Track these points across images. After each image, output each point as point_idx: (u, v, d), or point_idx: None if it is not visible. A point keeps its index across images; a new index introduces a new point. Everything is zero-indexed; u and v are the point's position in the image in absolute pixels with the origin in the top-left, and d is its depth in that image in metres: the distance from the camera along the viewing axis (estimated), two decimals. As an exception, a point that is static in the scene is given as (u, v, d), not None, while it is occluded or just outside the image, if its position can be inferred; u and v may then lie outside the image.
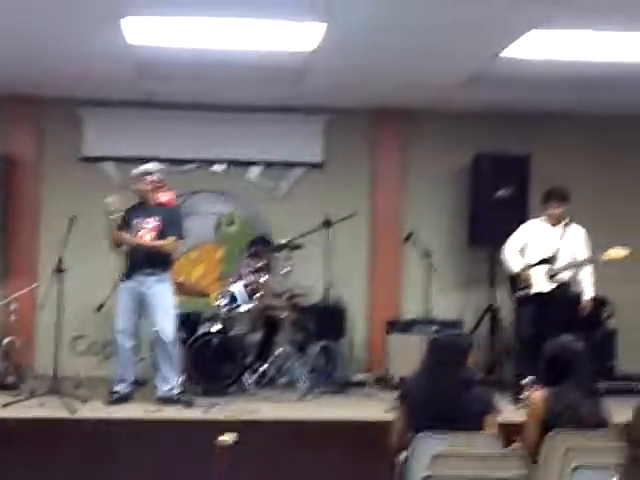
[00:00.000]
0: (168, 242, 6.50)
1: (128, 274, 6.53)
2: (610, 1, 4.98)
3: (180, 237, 6.63)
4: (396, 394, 4.40)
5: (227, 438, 5.45)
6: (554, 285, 6.84)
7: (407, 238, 7.60)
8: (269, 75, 6.87)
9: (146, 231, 6.52)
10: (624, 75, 6.58)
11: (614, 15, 5.22)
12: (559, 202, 6.94)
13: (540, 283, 6.86)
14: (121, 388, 6.53)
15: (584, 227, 6.97)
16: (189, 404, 6.37)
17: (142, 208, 6.61)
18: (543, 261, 6.85)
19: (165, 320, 6.48)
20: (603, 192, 8.20)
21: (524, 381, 5.95)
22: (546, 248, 6.92)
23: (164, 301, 6.49)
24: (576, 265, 6.83)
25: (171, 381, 6.49)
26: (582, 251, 6.88)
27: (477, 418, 4.15)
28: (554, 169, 7.88)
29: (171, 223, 6.59)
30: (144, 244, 6.48)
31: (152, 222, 6.53)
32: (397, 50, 6.11)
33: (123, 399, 6.46)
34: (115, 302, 6.68)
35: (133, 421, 5.95)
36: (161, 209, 6.61)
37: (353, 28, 5.60)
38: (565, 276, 6.87)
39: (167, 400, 6.40)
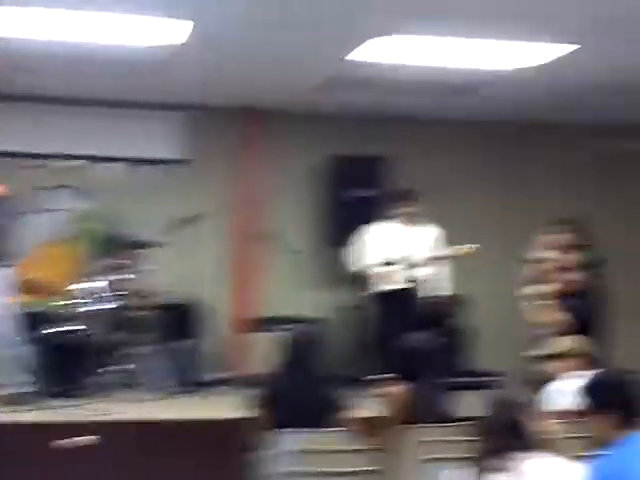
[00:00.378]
0: None
1: None
2: (451, 8, 5.19)
3: None
4: (254, 392, 4.42)
5: (83, 439, 5.38)
6: (408, 283, 7.06)
7: (269, 237, 7.66)
8: (134, 70, 6.80)
9: None
10: (469, 80, 6.85)
11: (455, 22, 5.44)
12: (408, 202, 7.17)
13: (393, 282, 7.07)
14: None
15: (439, 226, 7.23)
16: (32, 404, 6.17)
17: None
18: (391, 261, 7.05)
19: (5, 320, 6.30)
20: (457, 193, 8.50)
21: (379, 377, 6.08)
22: (397, 248, 7.15)
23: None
24: (425, 263, 7.04)
25: (20, 379, 6.29)
26: (436, 250, 7.12)
27: (332, 414, 4.23)
28: (407, 170, 8.12)
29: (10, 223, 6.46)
30: None
31: None
32: (256, 51, 6.22)
33: None
34: None
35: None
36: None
37: (218, 26, 5.64)
38: (420, 274, 7.08)
39: (12, 400, 6.20)
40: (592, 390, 3.25)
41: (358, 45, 5.93)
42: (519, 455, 2.98)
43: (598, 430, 3.17)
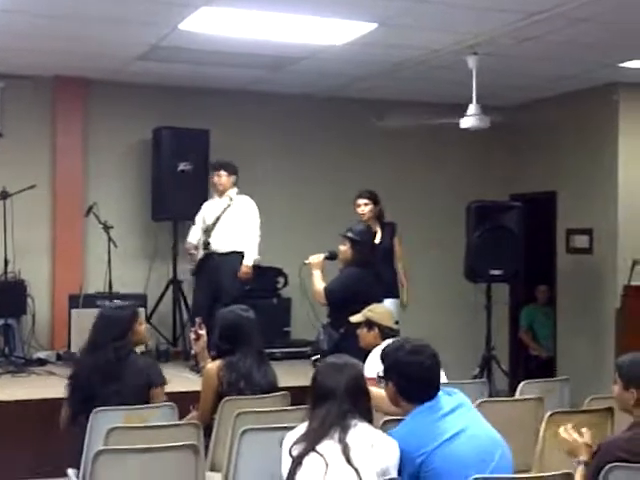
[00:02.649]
0: None
1: None
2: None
3: None
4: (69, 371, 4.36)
5: None
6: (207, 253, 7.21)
7: (89, 211, 7.48)
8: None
9: None
10: (292, 54, 6.95)
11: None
12: (216, 171, 7.30)
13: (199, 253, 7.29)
14: None
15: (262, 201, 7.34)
16: None
17: None
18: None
19: None
20: (281, 167, 8.61)
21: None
22: (208, 219, 7.22)
23: None
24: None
25: None
26: (245, 220, 7.21)
27: (144, 390, 4.23)
28: (233, 143, 8.16)
29: None
30: None
31: None
32: (75, 17, 5.98)
33: None
34: None
35: None
36: None
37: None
38: (219, 245, 7.19)
39: None
40: (381, 358, 3.40)
41: (185, 16, 5.86)
42: (351, 422, 3.02)
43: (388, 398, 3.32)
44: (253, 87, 8.15)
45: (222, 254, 7.18)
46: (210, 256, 7.23)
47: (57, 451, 4.42)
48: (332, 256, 6.03)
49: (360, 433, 3.00)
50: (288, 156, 8.62)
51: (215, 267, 7.19)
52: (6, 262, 7.26)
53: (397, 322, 5.19)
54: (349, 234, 5.88)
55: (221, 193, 7.32)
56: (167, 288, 7.98)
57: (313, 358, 4.97)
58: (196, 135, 7.98)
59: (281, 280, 8.19)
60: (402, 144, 8.92)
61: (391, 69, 7.35)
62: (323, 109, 8.65)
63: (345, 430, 2.98)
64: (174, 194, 7.83)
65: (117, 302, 5.03)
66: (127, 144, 8.19)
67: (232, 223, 7.22)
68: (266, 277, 8.04)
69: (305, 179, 8.68)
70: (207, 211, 7.36)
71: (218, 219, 7.23)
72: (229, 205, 7.26)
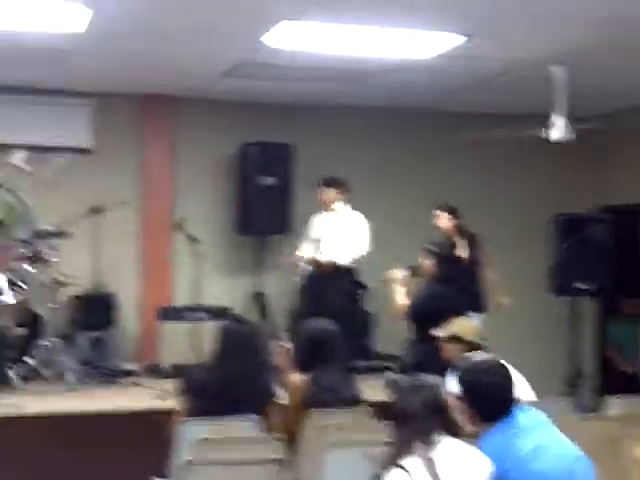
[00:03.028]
0: None
1: None
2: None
3: None
4: (178, 384, 4.37)
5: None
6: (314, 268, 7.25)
7: (177, 226, 7.63)
8: (35, 56, 6.67)
9: None
10: (380, 68, 6.98)
11: (356, 10, 5.51)
12: (321, 187, 7.28)
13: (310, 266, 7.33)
14: None
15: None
16: None
17: None
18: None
19: None
20: (367, 180, 8.62)
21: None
22: (315, 233, 7.27)
23: None
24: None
25: None
26: (352, 235, 7.22)
27: (264, 405, 4.26)
28: (318, 158, 8.22)
29: None
30: None
31: None
32: (162, 37, 6.14)
33: None
34: None
35: None
36: None
37: (119, 13, 5.58)
38: (327, 259, 7.20)
39: None
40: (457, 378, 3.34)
41: (266, 31, 5.95)
42: (436, 439, 3.02)
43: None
44: (338, 101, 8.17)
45: (329, 269, 7.18)
46: (317, 271, 7.24)
47: (144, 460, 4.49)
48: (414, 270, 6.01)
49: (446, 448, 2.99)
50: (373, 169, 8.63)
51: (322, 283, 7.20)
52: (97, 275, 7.45)
53: (483, 338, 5.09)
54: (431, 248, 5.86)
55: (326, 207, 7.35)
56: (252, 301, 8.07)
57: (386, 375, 4.96)
58: (281, 150, 8.06)
59: (362, 293, 8.19)
60: (487, 156, 8.83)
61: (478, 81, 7.30)
62: (408, 122, 8.63)
63: (429, 446, 2.98)
64: (259, 209, 7.93)
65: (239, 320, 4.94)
66: (213, 160, 8.33)
67: (339, 237, 7.23)
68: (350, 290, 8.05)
69: (390, 192, 8.64)
70: (315, 226, 7.39)
71: (324, 234, 7.26)
72: (335, 219, 7.29)
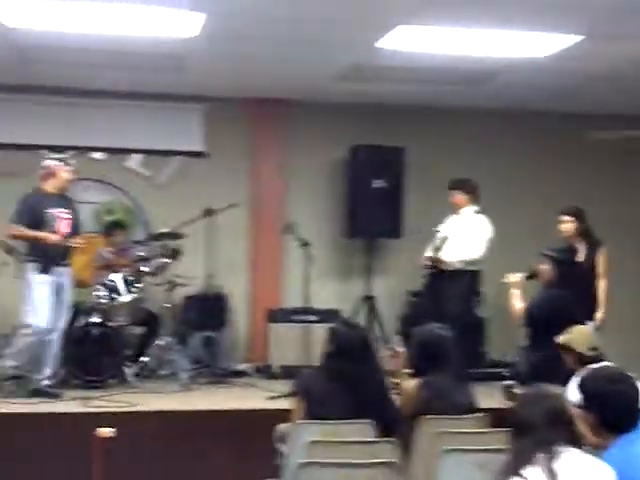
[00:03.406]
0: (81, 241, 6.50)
1: (46, 267, 6.29)
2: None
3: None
4: (291, 386, 4.36)
5: (107, 431, 5.45)
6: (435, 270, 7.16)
7: (287, 228, 7.68)
8: (150, 62, 6.85)
9: (63, 222, 6.39)
10: (495, 69, 6.87)
11: (476, 12, 5.45)
12: (449, 190, 7.25)
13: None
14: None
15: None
16: (57, 396, 6.24)
17: (53, 198, 6.41)
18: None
19: (68, 312, 6.49)
20: (481, 183, 8.48)
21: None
22: (440, 236, 7.23)
23: (70, 293, 6.51)
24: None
25: (46, 372, 6.39)
26: (471, 238, 7.12)
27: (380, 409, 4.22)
28: (429, 161, 8.14)
29: (78, 216, 6.61)
30: (68, 243, 6.37)
31: (66, 213, 6.43)
32: (276, 41, 6.21)
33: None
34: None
35: (11, 415, 5.82)
36: (71, 200, 6.59)
37: (232, 18, 5.67)
38: (447, 262, 7.13)
39: (38, 392, 6.27)
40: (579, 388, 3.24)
41: (382, 36, 5.94)
42: (557, 450, 2.93)
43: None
44: (450, 103, 8.10)
45: (450, 272, 7.11)
46: (438, 273, 7.18)
47: (256, 460, 4.52)
48: (532, 275, 5.87)
49: (570, 460, 2.89)
50: (488, 172, 8.48)
51: (441, 285, 7.14)
52: (209, 276, 7.56)
53: (594, 348, 4.86)
54: (549, 253, 5.71)
55: (456, 210, 7.31)
56: (361, 304, 8.05)
57: (504, 383, 4.83)
58: (392, 153, 8.02)
59: (477, 299, 8.05)
60: (611, 158, 8.58)
61: (596, 81, 7.10)
62: (525, 123, 8.48)
63: (551, 458, 2.89)
64: (369, 212, 7.91)
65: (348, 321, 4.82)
66: (324, 162, 8.36)
67: (460, 241, 7.14)
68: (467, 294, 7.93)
69: (506, 195, 8.48)
70: (443, 228, 7.35)
71: (448, 236, 7.19)
72: (461, 222, 7.23)
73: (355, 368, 4.21)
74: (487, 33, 5.89)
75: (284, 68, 7.03)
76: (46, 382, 6.35)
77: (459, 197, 7.25)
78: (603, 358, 4.52)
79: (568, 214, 6.68)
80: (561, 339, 4.74)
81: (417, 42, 6.09)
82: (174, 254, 7.25)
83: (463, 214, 7.25)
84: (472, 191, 7.26)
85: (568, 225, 6.65)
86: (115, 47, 6.40)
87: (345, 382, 4.18)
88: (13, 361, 6.41)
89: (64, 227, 6.40)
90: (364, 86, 7.52)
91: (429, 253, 7.18)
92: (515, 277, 5.84)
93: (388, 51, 6.29)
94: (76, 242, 6.44)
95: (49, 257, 6.31)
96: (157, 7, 5.52)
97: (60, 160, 6.45)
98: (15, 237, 6.43)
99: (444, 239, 7.10)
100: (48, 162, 6.46)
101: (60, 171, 6.42)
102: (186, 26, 5.84)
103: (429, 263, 7.15)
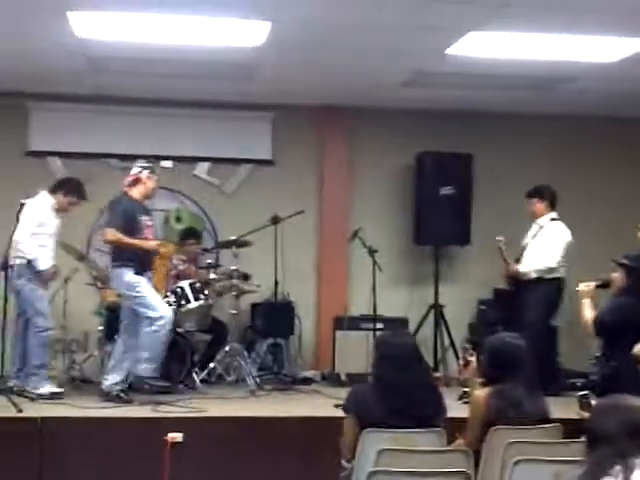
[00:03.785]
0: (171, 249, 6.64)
1: (143, 269, 6.40)
2: (544, 4, 5.13)
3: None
4: (345, 400, 4.34)
5: (176, 435, 5.51)
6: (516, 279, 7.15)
7: (354, 235, 7.65)
8: (218, 71, 6.92)
9: (149, 229, 6.51)
10: (565, 74, 6.76)
11: (548, 17, 5.37)
12: (527, 198, 7.19)
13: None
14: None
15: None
16: (128, 401, 6.29)
17: (140, 205, 6.52)
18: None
19: None
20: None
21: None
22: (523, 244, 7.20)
23: None
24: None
25: (117, 375, 6.46)
26: (546, 246, 7.04)
27: (434, 421, 4.17)
28: (497, 168, 8.04)
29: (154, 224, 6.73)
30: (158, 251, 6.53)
31: (150, 220, 6.56)
32: (343, 48, 6.22)
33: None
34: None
35: (79, 419, 5.90)
36: (148, 208, 6.67)
37: (298, 26, 5.70)
38: (526, 271, 7.07)
39: (108, 395, 6.34)
40: None
41: (452, 43, 5.90)
42: (635, 462, 2.86)
43: None
44: (519, 109, 8.00)
45: (530, 281, 7.05)
46: (518, 282, 7.13)
47: (322, 468, 4.49)
48: (605, 284, 5.74)
49: None
50: (558, 179, 8.33)
51: (521, 294, 7.09)
52: (276, 283, 7.58)
53: None
54: (623, 261, 5.57)
55: (533, 219, 7.24)
56: (428, 312, 7.99)
57: (580, 393, 4.72)
58: (459, 159, 7.96)
59: (555, 309, 7.90)
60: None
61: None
62: (597, 129, 8.34)
63: (630, 469, 2.81)
64: (436, 219, 7.85)
65: (395, 330, 4.77)
66: (390, 169, 8.33)
67: (539, 249, 7.08)
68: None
69: (581, 204, 8.29)
70: (526, 236, 7.28)
71: (527, 245, 7.14)
72: (538, 232, 7.16)
73: (400, 375, 4.14)
74: (558, 38, 5.80)
75: (351, 76, 7.03)
76: (120, 386, 6.42)
77: (538, 205, 7.15)
78: None
79: None
80: (636, 350, 4.63)
81: (487, 48, 6.02)
82: (245, 277, 7.30)
83: (540, 222, 7.15)
84: (551, 198, 7.16)
85: None
86: (182, 57, 6.49)
87: (391, 389, 4.12)
88: (150, 364, 6.34)
89: (150, 234, 6.49)
90: (431, 92, 7.47)
91: (514, 266, 7.12)
92: (587, 285, 5.71)
93: (456, 57, 6.23)
94: (167, 250, 6.48)
95: (142, 262, 6.38)
96: (223, 18, 5.57)
97: (147, 168, 6.51)
98: (111, 242, 6.41)
99: (523, 249, 7.04)
100: (137, 169, 6.50)
101: (148, 179, 6.49)
102: (252, 35, 5.88)
103: (510, 275, 7.13)
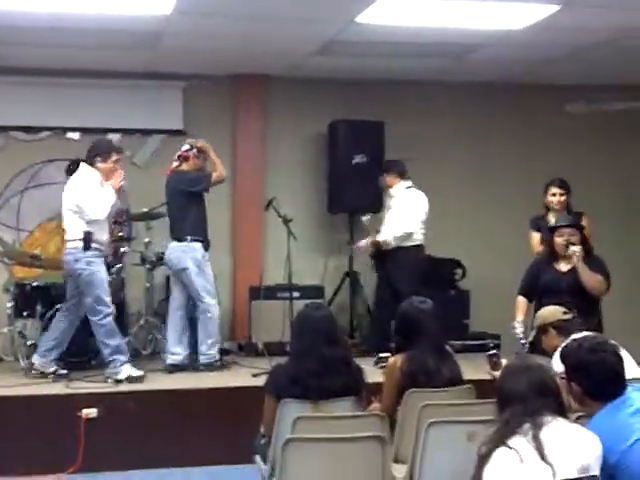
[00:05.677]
0: None
1: (207, 246, 6.83)
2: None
3: None
4: (265, 381, 4.30)
5: (90, 411, 5.45)
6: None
7: (268, 205, 7.60)
8: (124, 40, 6.77)
9: None
10: (473, 42, 6.84)
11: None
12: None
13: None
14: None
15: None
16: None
17: None
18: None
19: None
20: (460, 156, 8.48)
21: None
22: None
23: None
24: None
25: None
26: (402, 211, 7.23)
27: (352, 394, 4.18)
28: (408, 135, 8.11)
29: None
30: None
31: None
32: (252, 16, 6.15)
33: None
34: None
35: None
36: None
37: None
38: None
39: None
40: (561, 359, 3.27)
41: (362, 10, 5.89)
42: (543, 419, 2.94)
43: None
44: (429, 77, 8.07)
45: (390, 250, 7.23)
46: (381, 253, 7.32)
47: (245, 438, 4.51)
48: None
49: (556, 429, 2.90)
50: (467, 145, 8.49)
51: (386, 264, 7.31)
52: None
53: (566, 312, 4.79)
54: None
55: (386, 192, 7.46)
56: (344, 280, 8.04)
57: (489, 353, 4.82)
58: (371, 127, 7.98)
59: (459, 272, 8.07)
60: (589, 130, 8.59)
61: (575, 52, 7.09)
62: (504, 96, 8.46)
63: (538, 427, 2.90)
64: (350, 187, 7.88)
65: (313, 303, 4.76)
66: (304, 138, 8.31)
67: (394, 217, 7.27)
68: (444, 269, 7.96)
69: (485, 168, 8.52)
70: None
71: (384, 218, 7.37)
72: (391, 201, 7.35)
73: (319, 349, 4.12)
74: (465, 5, 5.85)
75: (262, 44, 6.96)
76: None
77: (388, 178, 7.38)
78: (583, 328, 4.52)
79: (560, 186, 6.52)
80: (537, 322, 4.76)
81: (396, 16, 6.04)
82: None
83: (392, 193, 7.35)
84: (397, 169, 7.37)
85: (561, 197, 6.50)
86: (86, 26, 6.31)
87: (309, 363, 4.10)
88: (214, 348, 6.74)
89: None
90: (342, 61, 7.47)
91: (372, 238, 7.33)
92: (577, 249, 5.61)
93: (367, 25, 6.24)
94: None
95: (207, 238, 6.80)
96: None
97: (192, 148, 6.68)
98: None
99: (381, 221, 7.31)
100: (187, 146, 6.74)
101: (195, 157, 6.73)
102: (159, 3, 5.76)
103: (371, 248, 7.30)
